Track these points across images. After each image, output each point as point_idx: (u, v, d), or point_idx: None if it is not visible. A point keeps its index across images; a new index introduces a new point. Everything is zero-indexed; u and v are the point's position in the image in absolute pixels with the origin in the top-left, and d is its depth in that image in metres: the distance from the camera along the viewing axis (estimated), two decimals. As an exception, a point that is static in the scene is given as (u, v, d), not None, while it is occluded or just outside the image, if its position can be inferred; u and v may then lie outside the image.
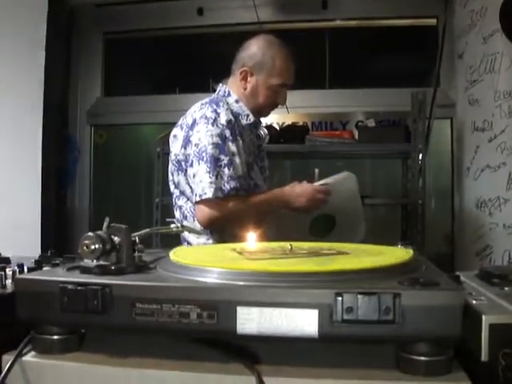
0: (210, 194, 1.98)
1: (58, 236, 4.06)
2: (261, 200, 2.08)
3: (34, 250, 1.34)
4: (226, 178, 1.99)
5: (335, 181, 2.27)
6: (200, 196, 2.00)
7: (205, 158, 2.00)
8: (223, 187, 1.99)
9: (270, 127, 3.67)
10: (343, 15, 4.46)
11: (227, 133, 2.04)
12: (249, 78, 2.18)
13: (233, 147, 2.04)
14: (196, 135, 2.05)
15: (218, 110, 2.06)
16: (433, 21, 4.28)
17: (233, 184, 2.00)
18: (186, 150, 2.08)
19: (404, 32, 4.43)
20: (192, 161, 2.06)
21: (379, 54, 4.51)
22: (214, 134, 2.02)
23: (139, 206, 4.45)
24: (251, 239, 1.12)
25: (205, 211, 2.01)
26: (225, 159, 2.01)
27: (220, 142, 2.02)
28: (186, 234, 2.18)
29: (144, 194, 4.37)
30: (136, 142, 4.66)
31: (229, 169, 2.00)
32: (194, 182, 2.05)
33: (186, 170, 2.10)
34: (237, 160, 2.04)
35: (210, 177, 1.98)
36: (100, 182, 4.67)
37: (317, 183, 2.22)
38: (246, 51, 2.21)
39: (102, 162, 4.68)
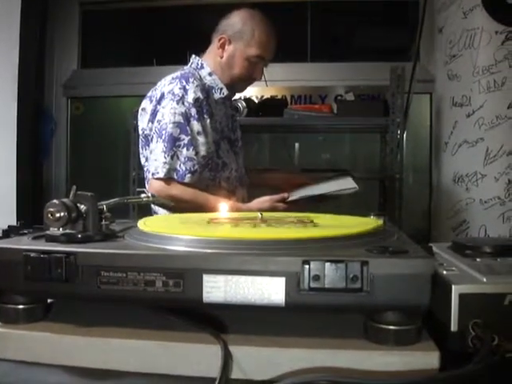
0: (161, 173, 1.98)
1: (33, 209, 4.02)
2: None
3: (9, 223, 1.32)
4: (182, 159, 1.99)
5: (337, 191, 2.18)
6: (153, 174, 2.01)
7: (163, 137, 2.00)
8: (178, 168, 1.99)
9: (248, 100, 3.65)
10: (326, -12, 4.43)
11: (193, 111, 2.02)
12: (226, 47, 2.16)
13: (197, 126, 2.02)
14: (161, 111, 2.04)
15: (187, 87, 2.03)
16: (414, -6, 4.26)
17: (189, 165, 1.99)
18: (153, 124, 2.06)
19: (385, 6, 4.41)
20: (152, 136, 2.05)
21: (360, 27, 4.49)
22: (177, 112, 2.00)
23: (116, 179, 4.42)
24: (222, 209, 1.11)
25: (154, 189, 2.00)
26: (185, 139, 2.00)
27: (182, 121, 2.00)
28: (156, 208, 2.19)
29: (121, 167, 4.33)
30: (113, 115, 4.61)
31: (188, 149, 1.99)
32: (150, 159, 2.05)
33: None
34: (201, 139, 2.03)
35: (164, 157, 1.98)
36: (77, 154, 4.63)
37: (315, 189, 2.18)
38: (227, 20, 2.20)
39: (78, 134, 4.64)
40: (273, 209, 2.02)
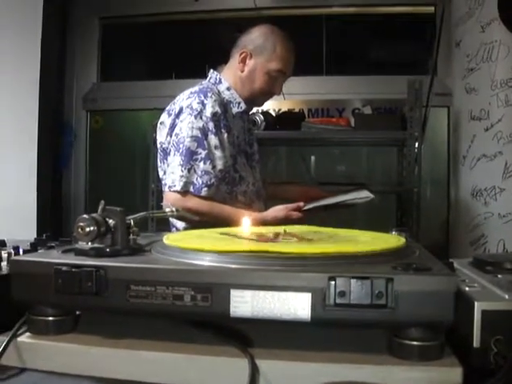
0: (178, 186, 1.99)
1: (53, 221, 4.06)
2: (236, 215, 1.90)
3: (30, 235, 1.34)
4: (199, 173, 2.00)
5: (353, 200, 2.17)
6: (169, 187, 2.02)
7: (181, 150, 2.01)
8: (195, 181, 1.99)
9: (266, 113, 3.67)
10: (341, 1, 4.44)
11: (211, 126, 2.03)
12: (247, 61, 2.17)
13: (215, 140, 2.04)
14: (179, 125, 2.05)
15: (205, 102, 2.04)
16: (431, 8, 4.27)
17: (206, 179, 2.00)
18: (171, 138, 2.08)
19: (402, 19, 4.42)
20: (170, 150, 2.07)
21: (377, 41, 4.49)
22: (195, 126, 2.01)
23: (135, 192, 4.45)
24: (245, 224, 1.12)
25: (170, 201, 2.00)
26: (202, 153, 2.01)
27: (200, 135, 2.01)
28: (174, 221, 2.19)
29: (140, 179, 4.36)
30: (132, 128, 4.65)
31: (205, 163, 2.00)
32: (167, 172, 2.06)
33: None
34: (218, 153, 2.04)
35: (182, 170, 1.99)
36: (96, 167, 4.66)
37: (331, 200, 2.16)
38: (248, 35, 2.21)
39: (97, 147, 4.68)
40: (288, 217, 2.02)
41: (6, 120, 3.45)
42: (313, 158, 4.28)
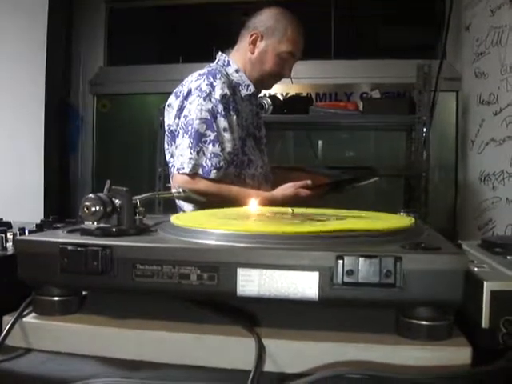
0: (187, 169, 1.98)
1: (60, 204, 4.07)
2: (245, 194, 1.93)
3: (37, 219, 1.34)
4: (208, 155, 1.99)
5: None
6: (178, 169, 2.01)
7: (189, 133, 2.00)
8: (204, 164, 1.99)
9: (273, 97, 3.66)
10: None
11: (220, 108, 2.02)
12: (258, 43, 2.16)
13: (224, 123, 2.03)
14: (188, 107, 2.04)
15: (214, 83, 2.04)
16: (440, -8, 4.23)
17: (215, 161, 1.99)
18: (179, 120, 2.07)
19: (411, 3, 4.38)
20: (179, 132, 2.06)
21: (385, 25, 4.47)
22: (204, 108, 2.00)
23: (142, 176, 4.45)
24: (254, 203, 1.12)
25: (178, 183, 2.00)
26: (211, 135, 2.00)
27: (209, 117, 2.00)
28: (181, 203, 2.19)
29: (146, 163, 4.36)
30: (139, 112, 4.64)
31: (214, 145, 1.99)
32: (176, 154, 2.06)
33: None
34: (227, 136, 2.03)
35: (190, 152, 1.99)
36: (102, 151, 4.66)
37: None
38: (259, 17, 2.20)
39: (104, 131, 4.67)
40: (296, 194, 2.01)
41: (13, 104, 3.46)
42: (320, 142, 4.27)
